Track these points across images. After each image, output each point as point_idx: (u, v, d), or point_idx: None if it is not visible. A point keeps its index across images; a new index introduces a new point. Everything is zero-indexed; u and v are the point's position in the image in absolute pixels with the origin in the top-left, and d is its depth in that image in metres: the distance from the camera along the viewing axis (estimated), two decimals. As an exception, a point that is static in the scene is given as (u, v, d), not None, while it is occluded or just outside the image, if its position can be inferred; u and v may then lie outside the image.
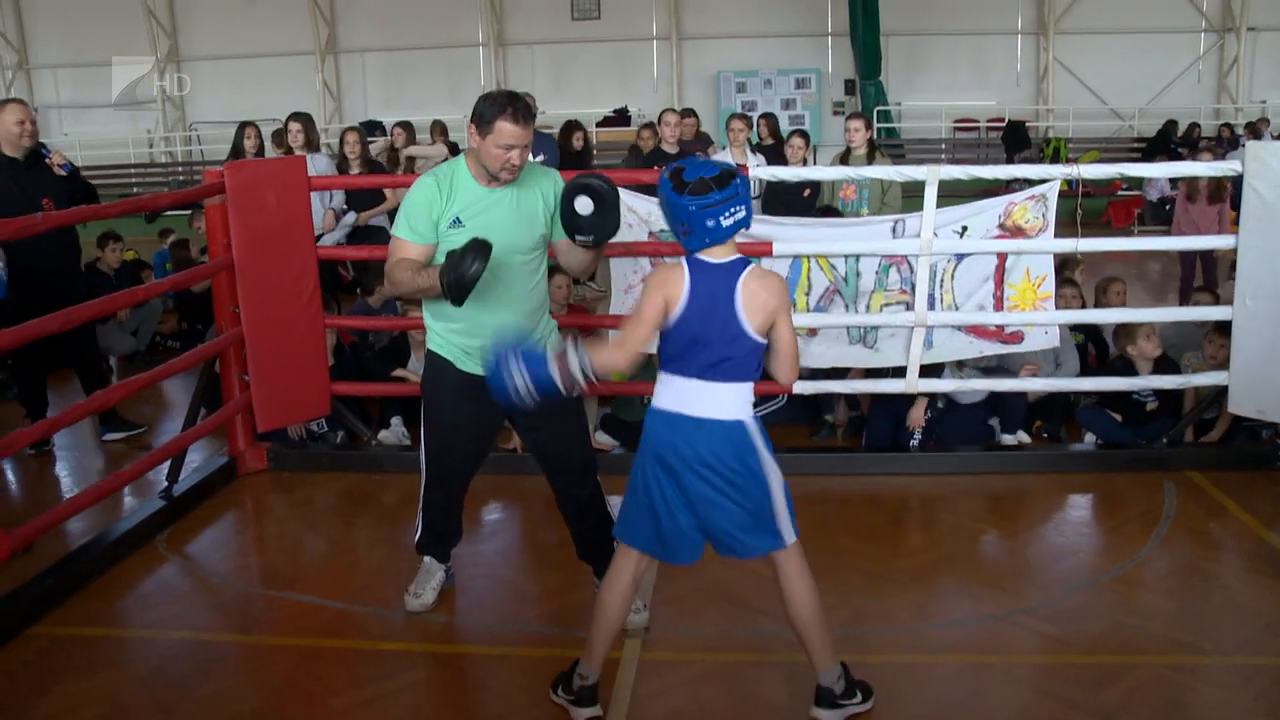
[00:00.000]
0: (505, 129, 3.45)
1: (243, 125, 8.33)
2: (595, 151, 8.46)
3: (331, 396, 5.70)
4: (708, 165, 3.04)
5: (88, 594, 4.33)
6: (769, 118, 10.14)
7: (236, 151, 8.19)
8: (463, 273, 3.29)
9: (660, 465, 3.11)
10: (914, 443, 5.67)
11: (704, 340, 3.01)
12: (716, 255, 3.03)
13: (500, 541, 4.88)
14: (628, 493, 3.24)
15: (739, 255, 3.07)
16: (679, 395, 3.07)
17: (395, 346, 6.39)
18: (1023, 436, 5.85)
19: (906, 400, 5.68)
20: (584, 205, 3.46)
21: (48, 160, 5.90)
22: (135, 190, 21.04)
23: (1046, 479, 5.44)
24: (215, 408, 5.61)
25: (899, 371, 5.49)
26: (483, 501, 5.15)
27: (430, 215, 3.58)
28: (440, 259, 3.56)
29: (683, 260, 3.05)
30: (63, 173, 5.95)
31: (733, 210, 2.97)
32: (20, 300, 5.33)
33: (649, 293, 3.03)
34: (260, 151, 8.30)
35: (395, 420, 6.10)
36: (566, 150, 9.62)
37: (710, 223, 2.95)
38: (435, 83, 22.57)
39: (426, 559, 4.19)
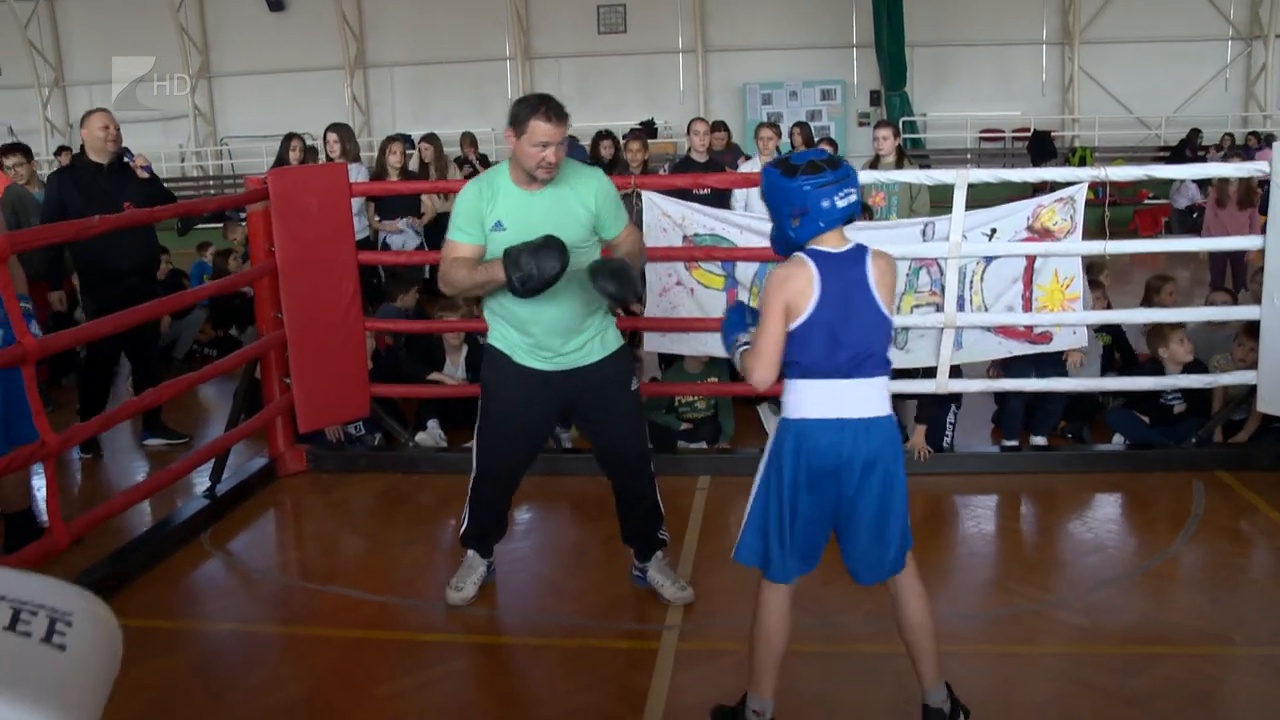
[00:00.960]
0: (539, 127, 3.55)
1: (288, 137, 8.49)
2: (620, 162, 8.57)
3: (370, 399, 5.80)
4: (814, 151, 2.97)
5: (136, 588, 4.44)
6: (803, 126, 10.18)
7: (281, 163, 8.33)
8: (533, 271, 3.41)
9: (808, 480, 2.91)
10: (946, 442, 5.72)
11: (846, 335, 2.87)
12: (833, 244, 2.91)
13: (539, 538, 4.97)
14: (753, 514, 3.03)
15: (855, 243, 2.96)
16: (830, 398, 2.90)
17: (429, 349, 6.49)
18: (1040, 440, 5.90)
19: (938, 400, 5.75)
20: (605, 287, 3.57)
21: (131, 164, 6.08)
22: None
23: (1075, 479, 5.48)
24: (255, 411, 5.72)
25: (929, 372, 5.56)
26: (524, 500, 5.24)
27: (477, 216, 3.70)
28: (492, 255, 3.68)
29: (800, 255, 2.91)
30: (145, 174, 6.13)
31: (846, 192, 2.87)
32: (98, 300, 5.50)
33: (769, 299, 2.89)
34: (306, 161, 8.45)
35: (432, 423, 6.20)
36: (596, 160, 9.68)
37: (826, 203, 2.85)
38: (463, 96, 22.80)
39: (470, 553, 4.26)
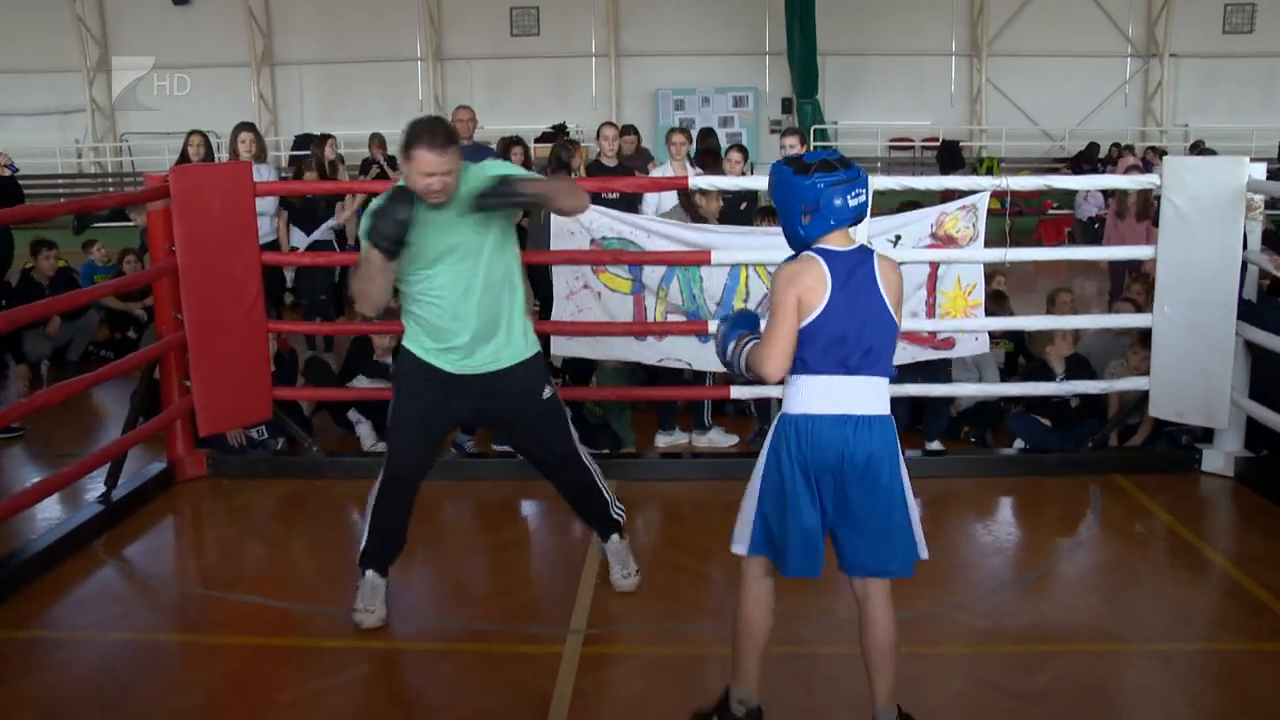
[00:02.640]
0: (423, 158, 3.50)
1: (190, 134, 8.29)
2: (534, 167, 8.58)
3: (273, 402, 5.73)
4: (826, 151, 3.02)
5: (24, 597, 4.31)
6: (712, 133, 10.30)
7: (184, 161, 8.14)
8: (387, 228, 3.46)
9: (807, 475, 2.98)
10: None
11: (853, 333, 2.93)
12: (840, 243, 2.97)
13: (441, 544, 4.94)
14: (749, 505, 3.09)
15: (859, 243, 3.03)
16: (833, 395, 2.96)
17: (360, 354, 6.43)
18: (937, 445, 6.00)
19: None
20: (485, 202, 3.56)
21: None
22: (62, 200, 20.72)
23: (975, 483, 5.59)
24: (153, 414, 5.59)
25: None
26: (426, 506, 5.20)
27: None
28: (404, 272, 3.73)
29: (810, 253, 2.96)
30: (7, 172, 5.96)
31: (857, 191, 2.93)
32: None
33: (780, 292, 2.94)
34: (207, 159, 8.26)
35: (363, 427, 6.20)
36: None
37: (839, 201, 2.90)
38: (374, 96, 22.56)
39: (369, 574, 4.07)
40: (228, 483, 5.70)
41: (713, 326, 5.30)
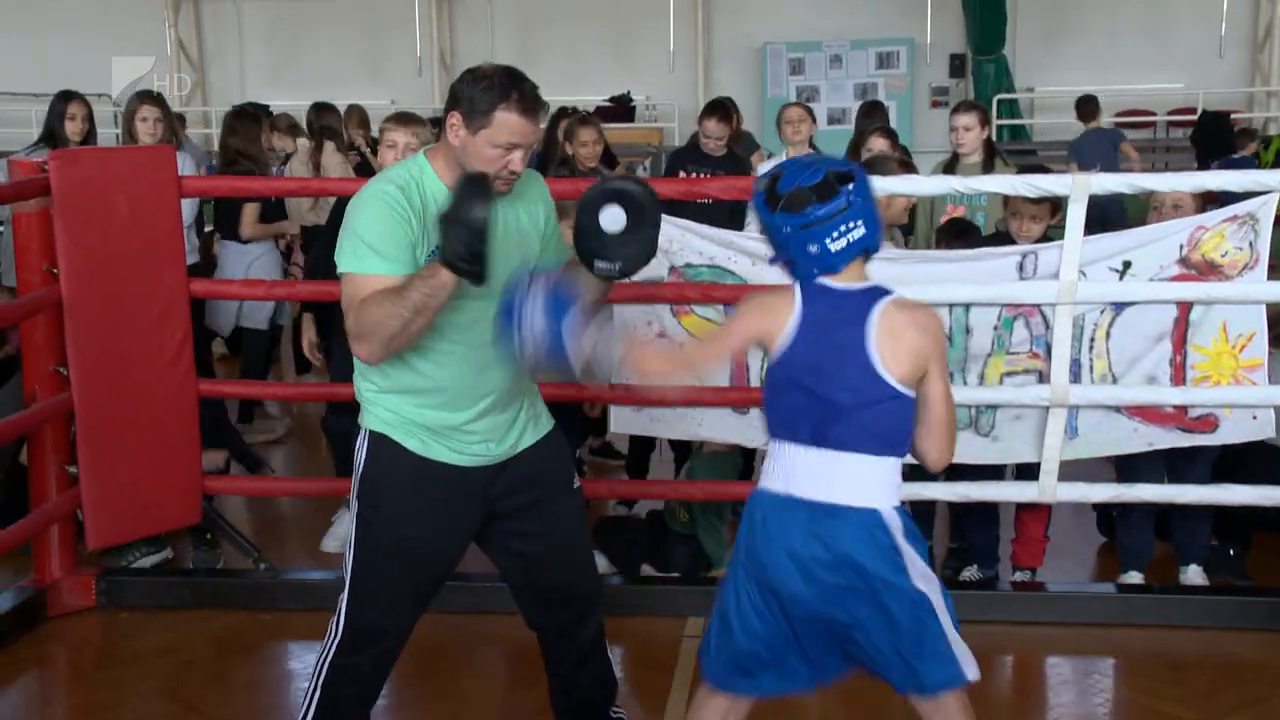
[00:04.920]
0: (510, 122, 3.59)
1: (63, 98, 8.29)
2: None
3: (204, 498, 5.82)
4: (811, 168, 3.15)
5: None
6: (878, 108, 10.20)
7: (51, 137, 8.20)
8: (464, 237, 3.36)
9: (749, 568, 3.24)
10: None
11: (819, 389, 3.13)
12: (845, 280, 3.18)
13: (440, 710, 4.99)
14: (714, 614, 3.41)
15: (874, 283, 3.21)
16: (787, 470, 3.21)
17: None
18: (1197, 574, 5.92)
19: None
20: (613, 219, 3.58)
21: None
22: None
23: (1251, 641, 5.51)
24: (15, 517, 5.66)
25: (1023, 469, 5.62)
26: (433, 648, 5.24)
27: (408, 237, 3.63)
28: None
29: (794, 285, 3.24)
30: None
31: (845, 228, 3.09)
32: None
33: (741, 313, 3.24)
34: (89, 139, 8.36)
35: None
36: (555, 150, 9.66)
37: (813, 248, 3.08)
38: (348, 49, 22.84)
39: None
40: (128, 617, 5.76)
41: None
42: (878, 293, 3.18)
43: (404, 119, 5.99)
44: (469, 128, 3.60)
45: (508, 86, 3.59)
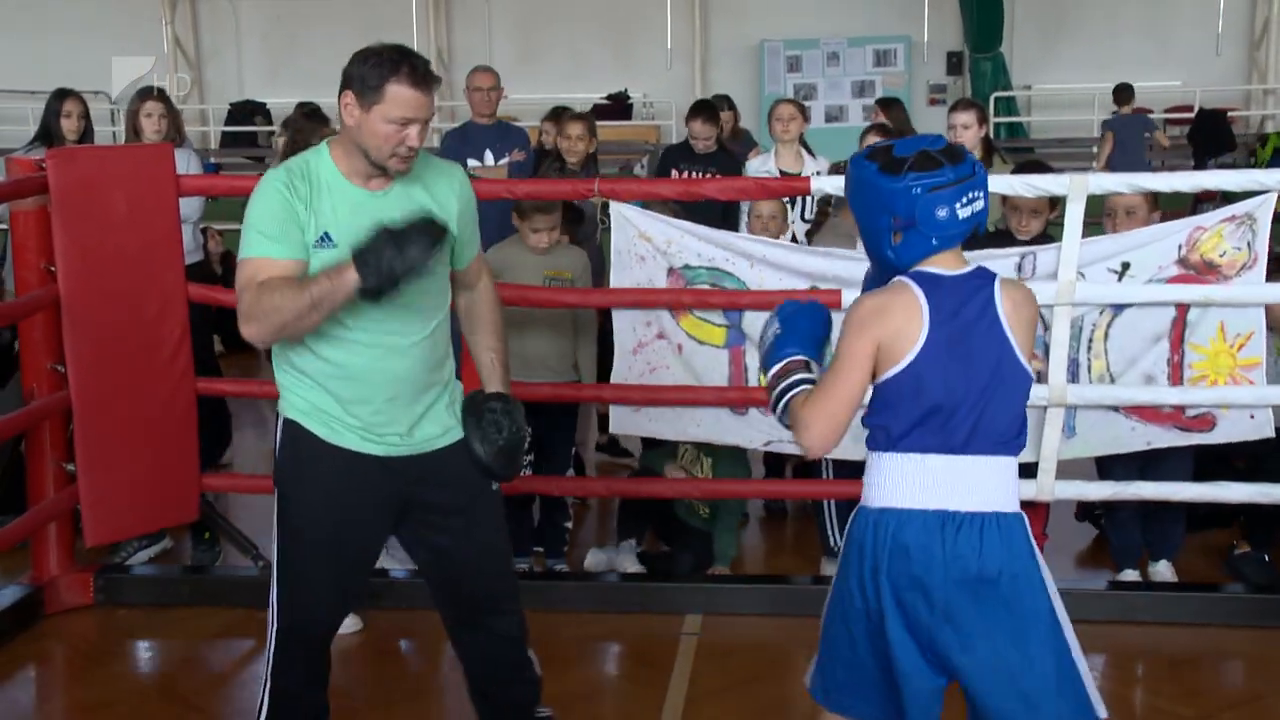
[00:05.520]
0: (401, 95, 3.60)
1: (59, 95, 8.33)
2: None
3: (203, 495, 5.83)
4: (928, 138, 3.07)
5: None
6: (893, 107, 10.19)
7: (47, 135, 8.21)
8: (394, 265, 3.39)
9: (899, 595, 3.02)
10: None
11: (961, 392, 3.00)
12: (949, 266, 3.03)
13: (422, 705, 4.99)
14: (826, 644, 3.21)
15: (976, 264, 3.09)
16: (930, 482, 3.03)
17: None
18: (1166, 569, 5.96)
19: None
20: (482, 451, 3.88)
21: None
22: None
23: (1250, 637, 5.52)
24: (13, 514, 5.68)
25: (1024, 469, 5.62)
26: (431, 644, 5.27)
27: (292, 220, 3.67)
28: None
29: (902, 280, 3.05)
30: None
31: (970, 195, 2.97)
32: None
33: (851, 335, 3.01)
34: (85, 137, 8.36)
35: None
36: (546, 153, 9.68)
37: (943, 211, 2.94)
38: (344, 48, 22.09)
39: None
40: (126, 615, 5.76)
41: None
42: (988, 274, 3.06)
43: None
44: (362, 105, 3.62)
45: (397, 61, 3.62)
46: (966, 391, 2.97)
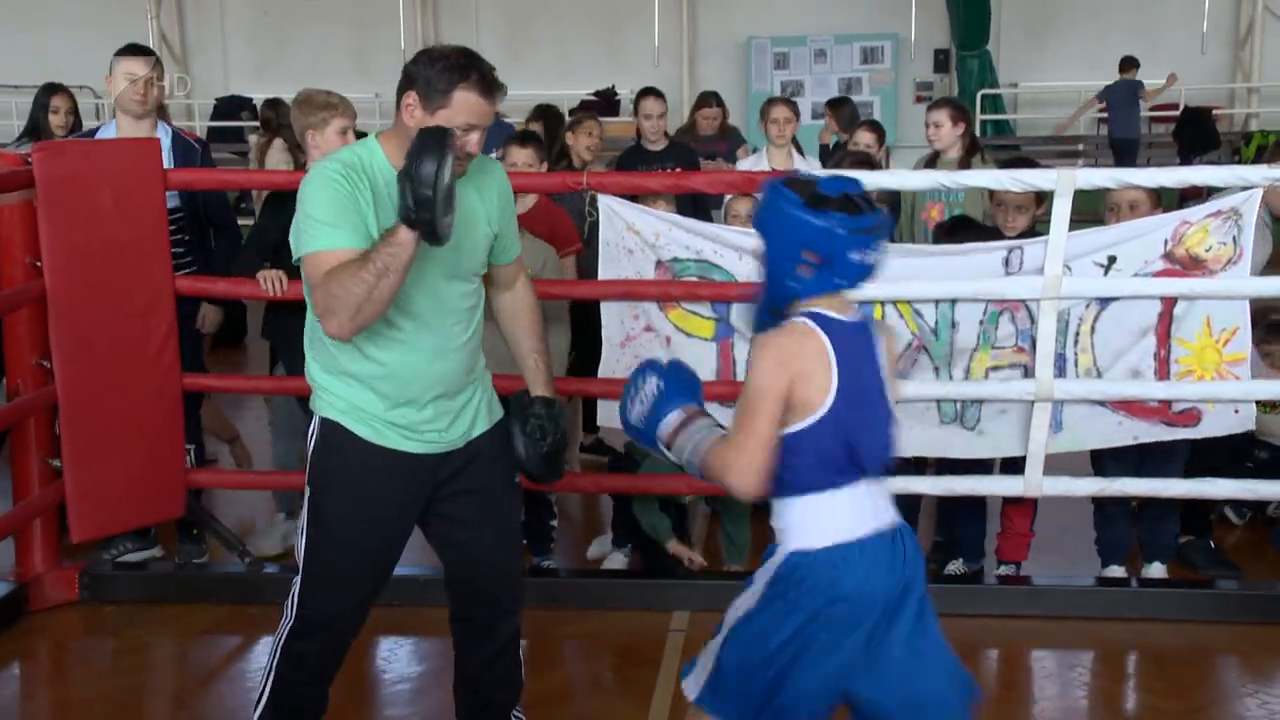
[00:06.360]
0: (468, 102, 3.58)
1: (46, 90, 8.31)
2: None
3: (189, 490, 5.82)
4: (847, 180, 3.18)
5: None
6: (844, 105, 10.22)
7: (35, 130, 8.21)
8: (424, 191, 3.30)
9: (835, 636, 3.11)
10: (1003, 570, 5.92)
11: (870, 431, 3.14)
12: (838, 309, 3.13)
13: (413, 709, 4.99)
14: (735, 665, 3.24)
15: (857, 311, 3.22)
16: (857, 512, 3.15)
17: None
18: (1159, 571, 5.97)
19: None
20: (526, 455, 3.92)
21: None
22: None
23: (1234, 634, 5.52)
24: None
25: (1010, 464, 5.63)
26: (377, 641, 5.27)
27: (358, 209, 3.60)
28: None
29: (804, 320, 3.11)
30: None
31: (878, 245, 3.10)
32: None
33: (766, 374, 3.06)
34: (73, 132, 8.35)
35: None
36: (552, 147, 9.69)
37: (856, 255, 3.04)
38: (334, 45, 22.82)
39: None
40: (112, 611, 5.76)
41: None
42: (866, 322, 3.22)
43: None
44: (426, 108, 3.59)
45: (466, 67, 3.59)
46: (873, 430, 3.14)
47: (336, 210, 3.58)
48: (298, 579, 3.91)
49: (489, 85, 3.61)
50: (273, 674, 3.99)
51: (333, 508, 3.85)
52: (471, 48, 3.71)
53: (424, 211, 3.29)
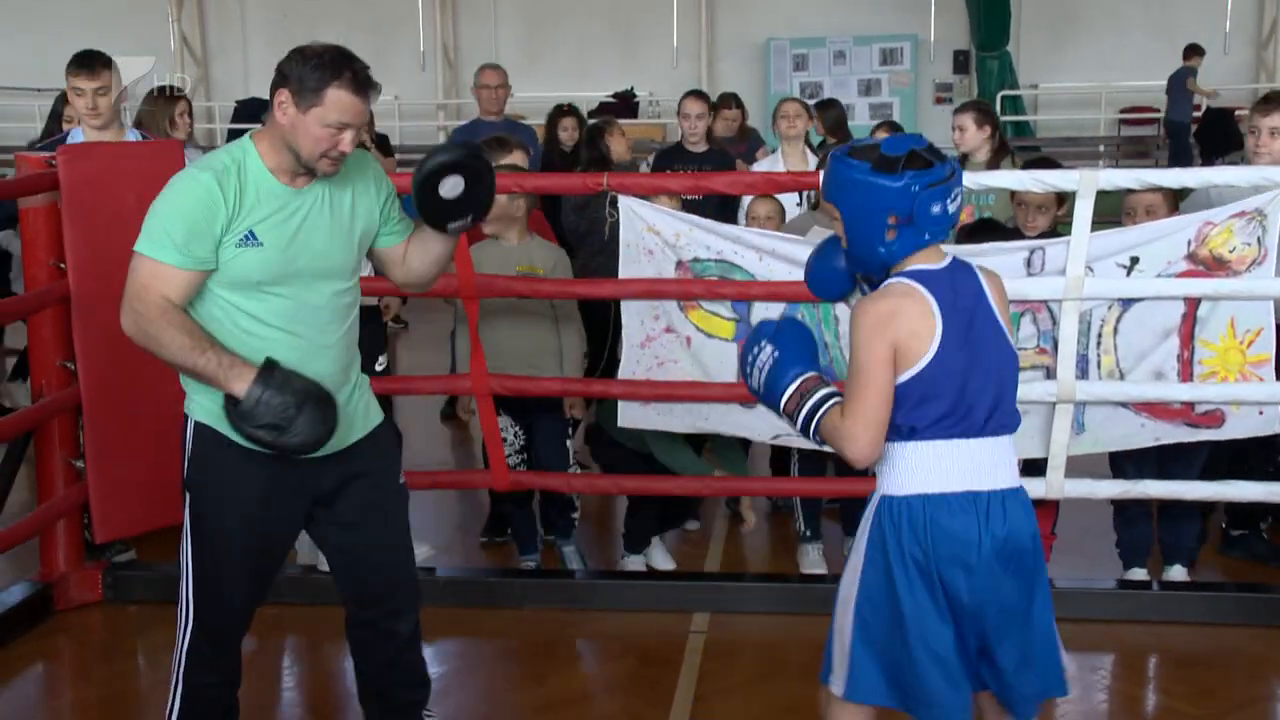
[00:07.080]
0: (341, 100, 3.58)
1: (64, 97, 8.31)
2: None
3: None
4: (912, 137, 3.20)
5: None
6: (831, 107, 10.25)
7: (57, 133, 8.21)
8: (298, 430, 3.52)
9: (929, 579, 3.15)
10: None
11: (976, 379, 3.14)
12: (931, 260, 3.16)
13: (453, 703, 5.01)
14: (845, 630, 3.28)
15: (951, 255, 3.22)
16: (963, 465, 3.16)
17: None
18: (1180, 574, 5.94)
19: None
20: (453, 187, 3.73)
21: None
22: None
23: (1257, 636, 5.50)
24: (22, 508, 5.67)
25: (1033, 466, 5.62)
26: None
27: (213, 228, 3.60)
28: (226, 284, 3.67)
29: (904, 282, 3.15)
30: None
31: (956, 192, 3.12)
32: None
33: (867, 343, 3.10)
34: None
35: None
36: (555, 148, 9.70)
37: (937, 208, 3.07)
38: (350, 44, 21.67)
39: None
40: (137, 612, 5.77)
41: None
42: (966, 264, 3.22)
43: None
44: (299, 106, 3.59)
45: (339, 65, 3.60)
46: (983, 378, 3.11)
47: (186, 229, 3.59)
48: (184, 586, 3.91)
49: (362, 84, 3.61)
50: (179, 684, 4.00)
51: (213, 513, 3.85)
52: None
53: (247, 428, 3.57)
